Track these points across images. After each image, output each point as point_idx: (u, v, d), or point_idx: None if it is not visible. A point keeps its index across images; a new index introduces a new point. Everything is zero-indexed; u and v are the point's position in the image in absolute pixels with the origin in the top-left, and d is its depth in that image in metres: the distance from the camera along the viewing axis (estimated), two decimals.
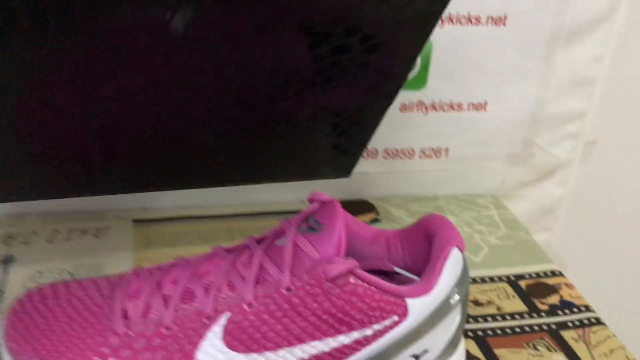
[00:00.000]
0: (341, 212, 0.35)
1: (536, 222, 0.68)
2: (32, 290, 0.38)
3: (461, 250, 0.37)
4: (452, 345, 0.38)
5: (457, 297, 0.37)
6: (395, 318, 0.35)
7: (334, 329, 0.34)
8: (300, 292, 0.33)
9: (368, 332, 0.35)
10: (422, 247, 0.39)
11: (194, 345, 0.34)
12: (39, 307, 0.37)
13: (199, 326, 0.34)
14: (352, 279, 0.34)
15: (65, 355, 0.34)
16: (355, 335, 0.35)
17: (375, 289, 0.34)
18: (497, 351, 0.44)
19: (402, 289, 0.35)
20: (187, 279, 0.36)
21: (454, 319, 0.37)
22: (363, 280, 0.34)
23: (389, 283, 0.35)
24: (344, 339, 0.35)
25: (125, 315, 0.35)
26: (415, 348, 0.36)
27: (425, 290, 0.35)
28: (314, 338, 0.34)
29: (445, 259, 0.36)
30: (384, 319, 0.35)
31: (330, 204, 0.36)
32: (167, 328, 0.34)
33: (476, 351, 0.44)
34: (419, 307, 0.35)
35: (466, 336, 0.45)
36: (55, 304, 0.37)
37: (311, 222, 0.36)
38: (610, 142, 0.65)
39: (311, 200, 0.38)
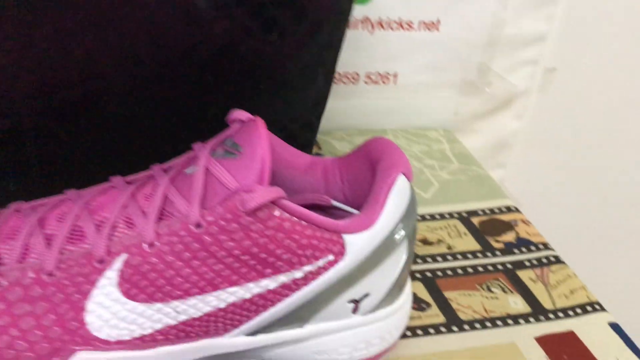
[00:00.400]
0: (265, 133, 0.29)
1: (490, 158, 0.63)
2: None
3: (408, 178, 0.31)
4: (397, 288, 0.33)
5: (402, 232, 0.31)
6: (331, 257, 0.29)
7: (256, 271, 0.28)
8: (213, 228, 0.27)
9: (298, 274, 0.29)
10: (365, 176, 0.33)
11: (84, 294, 0.28)
12: None
13: (89, 271, 0.28)
14: (277, 212, 0.28)
15: None
16: (282, 278, 0.29)
17: (305, 224, 0.28)
18: (448, 294, 0.39)
19: (339, 223, 0.29)
20: (76, 216, 0.29)
21: (399, 258, 0.32)
22: (291, 213, 0.28)
23: (322, 217, 0.29)
24: (269, 284, 0.29)
25: None
26: (355, 292, 0.31)
27: (365, 224, 0.30)
28: (231, 283, 0.28)
29: (389, 187, 0.30)
30: (316, 259, 0.29)
31: (252, 124, 0.30)
32: (50, 274, 0.28)
33: (424, 294, 0.39)
34: (358, 244, 0.30)
35: (413, 278, 0.40)
36: None
37: (229, 145, 0.30)
38: (571, 70, 0.60)
39: (231, 121, 0.32)
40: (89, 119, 0.37)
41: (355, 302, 0.31)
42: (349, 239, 0.29)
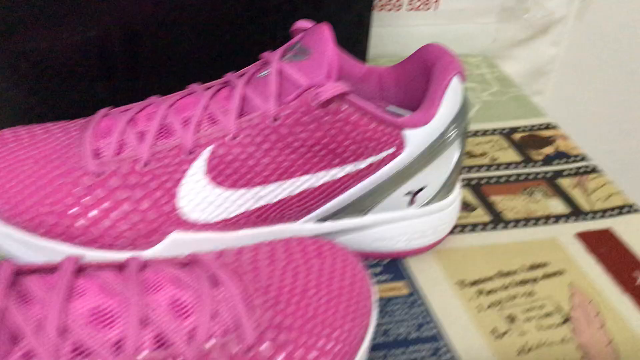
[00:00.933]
0: (331, 35, 0.32)
1: (527, 85, 0.65)
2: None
3: (462, 79, 0.34)
4: (449, 184, 0.36)
5: (456, 130, 0.34)
6: (391, 150, 0.32)
7: (326, 161, 0.32)
8: (289, 121, 0.31)
9: (362, 165, 0.32)
10: (419, 81, 0.36)
11: (175, 182, 0.31)
12: (1, 149, 0.33)
13: (180, 162, 0.31)
14: (345, 106, 0.31)
15: (34, 198, 0.31)
16: (349, 168, 0.32)
17: (369, 118, 0.31)
18: (492, 198, 0.42)
19: (399, 119, 0.32)
20: (163, 115, 0.32)
21: (452, 155, 0.35)
22: (357, 107, 0.31)
23: (384, 113, 0.32)
24: (337, 173, 0.32)
25: (97, 155, 0.32)
26: (412, 184, 0.34)
27: (423, 120, 0.33)
28: (304, 172, 0.32)
29: (445, 87, 0.33)
30: (379, 151, 0.32)
31: (318, 28, 0.33)
32: (144, 165, 0.31)
33: (471, 199, 0.42)
34: (416, 138, 0.33)
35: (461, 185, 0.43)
36: (19, 146, 0.33)
37: (297, 49, 0.32)
38: None
39: (295, 31, 0.35)
40: (169, 28, 0.40)
41: (412, 194, 0.35)
42: (408, 133, 0.32)
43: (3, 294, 0.21)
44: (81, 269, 0.24)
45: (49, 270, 0.24)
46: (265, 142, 0.31)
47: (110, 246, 0.31)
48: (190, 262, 0.27)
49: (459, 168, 0.36)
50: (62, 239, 0.32)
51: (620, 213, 0.42)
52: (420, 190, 0.35)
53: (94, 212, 0.31)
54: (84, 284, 0.23)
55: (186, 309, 0.24)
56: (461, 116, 0.34)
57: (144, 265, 0.26)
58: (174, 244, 0.32)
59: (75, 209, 0.31)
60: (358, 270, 0.29)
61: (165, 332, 0.23)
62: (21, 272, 0.23)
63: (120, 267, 0.25)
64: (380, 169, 0.33)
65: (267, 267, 0.28)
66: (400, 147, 0.32)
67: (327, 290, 0.28)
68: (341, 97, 0.30)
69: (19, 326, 0.21)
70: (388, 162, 0.33)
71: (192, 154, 0.31)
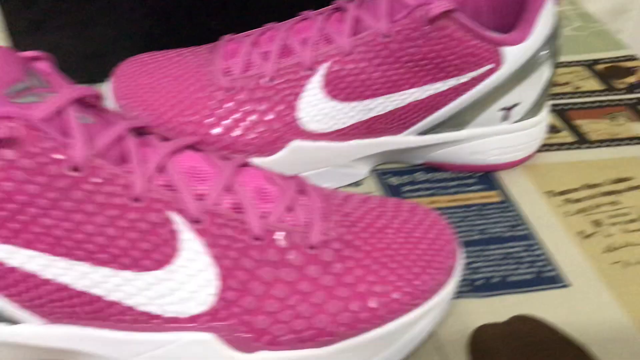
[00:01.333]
0: None
1: (608, 24, 0.66)
2: (130, 59, 0.40)
3: (555, 2, 0.36)
4: (540, 102, 0.39)
5: (548, 50, 0.37)
6: (490, 66, 0.36)
7: (431, 75, 0.35)
8: (399, 37, 0.34)
9: (463, 79, 0.36)
10: (512, 7, 0.39)
11: (296, 96, 0.36)
12: (142, 69, 0.38)
13: (300, 77, 0.35)
14: (450, 22, 0.34)
15: (175, 110, 0.36)
16: (451, 82, 0.36)
17: (473, 35, 0.34)
18: (577, 122, 0.45)
19: (498, 37, 0.35)
20: (283, 37, 0.36)
21: (543, 74, 0.37)
22: (461, 24, 0.34)
23: (484, 30, 0.35)
24: (440, 86, 0.36)
25: (227, 73, 0.36)
26: (506, 100, 0.37)
27: (520, 39, 0.36)
28: (411, 85, 0.35)
29: (540, 9, 0.36)
30: (479, 66, 0.35)
31: None
32: (269, 80, 0.36)
33: (556, 122, 0.45)
34: (513, 56, 0.36)
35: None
36: (158, 67, 0.38)
37: None
38: None
39: None
40: None
41: (506, 110, 0.38)
42: (506, 50, 0.35)
43: (125, 126, 0.25)
44: (195, 145, 0.28)
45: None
46: (376, 57, 0.35)
47: (241, 152, 0.36)
48: (289, 178, 0.29)
49: (548, 87, 0.39)
50: None
51: None
52: (514, 106, 0.38)
53: (226, 122, 0.36)
54: (190, 152, 0.27)
55: (267, 197, 0.27)
56: (553, 37, 0.37)
57: (247, 162, 0.29)
58: (294, 151, 0.36)
59: (210, 120, 0.36)
60: (445, 231, 0.30)
61: (243, 203, 0.26)
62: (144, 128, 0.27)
63: (224, 156, 0.29)
64: (479, 84, 0.36)
65: (357, 203, 0.30)
66: (498, 64, 0.36)
67: (406, 236, 0.29)
68: (448, 14, 0.33)
69: (129, 152, 0.25)
70: (486, 77, 0.36)
71: (311, 70, 0.35)
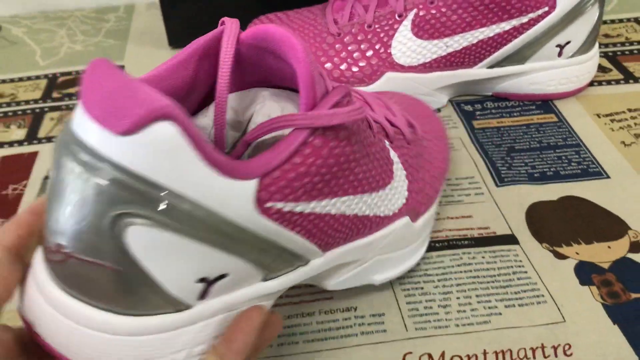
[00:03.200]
0: None
1: None
2: (259, 18, 0.51)
3: None
4: (590, 41, 0.47)
5: None
6: (546, 9, 0.44)
7: (497, 17, 0.44)
8: None
9: (524, 20, 0.45)
10: None
11: (390, 36, 0.46)
12: (271, 23, 0.50)
13: (393, 23, 0.46)
14: None
15: None
16: (514, 22, 0.45)
17: None
18: (625, 64, 0.53)
19: None
20: None
21: (592, 16, 0.46)
22: None
23: None
24: (505, 26, 0.45)
25: (335, 22, 0.47)
26: (560, 38, 0.46)
27: None
28: (481, 25, 0.45)
29: None
30: (537, 9, 0.44)
31: None
32: (369, 26, 0.46)
33: (607, 64, 0.53)
34: (564, 0, 0.44)
35: (599, 56, 0.54)
36: (281, 22, 0.49)
37: None
38: None
39: None
40: None
41: (561, 47, 0.47)
42: None
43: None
44: None
45: None
46: (454, 3, 0.44)
47: (346, 82, 0.46)
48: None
49: (597, 28, 0.47)
50: None
51: None
52: (567, 44, 0.46)
53: (335, 59, 0.46)
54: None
55: (392, 112, 0.36)
56: None
57: None
58: (388, 81, 0.46)
59: (323, 58, 0.47)
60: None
61: (395, 121, 0.34)
62: None
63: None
64: (536, 24, 0.45)
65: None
66: (552, 7, 0.44)
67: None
68: None
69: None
70: (542, 19, 0.45)
71: (401, 17, 0.45)
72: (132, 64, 0.57)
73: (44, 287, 0.23)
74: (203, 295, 0.24)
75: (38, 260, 0.24)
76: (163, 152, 0.21)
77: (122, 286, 0.22)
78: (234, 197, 0.23)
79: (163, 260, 0.22)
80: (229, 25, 0.26)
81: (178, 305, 0.24)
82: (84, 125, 0.21)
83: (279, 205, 0.24)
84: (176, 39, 0.58)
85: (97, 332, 0.23)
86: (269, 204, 0.24)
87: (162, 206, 0.21)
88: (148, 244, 0.22)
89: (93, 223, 0.21)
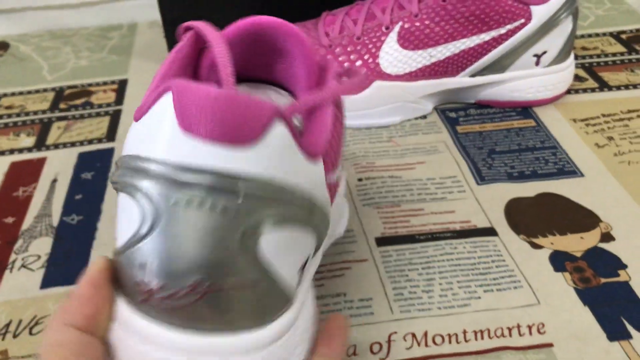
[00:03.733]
0: None
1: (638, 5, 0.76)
2: None
3: None
4: (565, 51, 0.50)
5: (569, 9, 0.49)
6: (522, 21, 0.48)
7: (477, 28, 0.48)
8: (453, 0, 0.47)
9: (502, 31, 0.48)
10: None
11: (377, 47, 0.49)
12: None
13: (380, 35, 0.49)
14: None
15: None
16: (492, 33, 0.48)
17: None
18: (601, 74, 0.56)
19: None
20: (368, 7, 0.50)
21: (567, 28, 0.49)
22: None
23: None
24: (484, 37, 0.48)
25: (327, 35, 0.50)
26: (537, 48, 0.49)
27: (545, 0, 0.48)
28: (463, 36, 0.48)
29: None
30: (513, 21, 0.48)
31: None
32: (358, 38, 0.49)
33: (583, 74, 0.56)
34: (540, 12, 0.48)
35: (576, 67, 0.57)
36: None
37: None
38: None
39: None
40: None
41: (537, 56, 0.50)
42: (534, 8, 0.48)
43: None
44: None
45: None
46: (437, 16, 0.48)
47: None
48: None
49: (572, 39, 0.51)
50: None
51: None
52: (543, 53, 0.50)
53: None
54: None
55: None
56: (572, 3, 0.49)
57: None
58: (376, 89, 0.50)
59: None
60: None
61: None
62: None
63: None
64: (514, 35, 0.48)
65: None
66: (528, 19, 0.48)
67: None
68: None
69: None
70: (520, 30, 0.48)
71: (388, 29, 0.49)
72: (136, 78, 0.60)
73: (159, 337, 0.22)
74: (298, 284, 0.25)
75: (136, 325, 0.22)
76: (282, 151, 0.20)
77: (258, 297, 0.22)
78: (318, 178, 0.23)
79: (284, 258, 0.22)
80: (203, 26, 0.24)
81: (290, 301, 0.24)
82: (195, 152, 0.19)
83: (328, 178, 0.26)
84: None
85: (246, 357, 0.22)
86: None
87: (287, 203, 0.21)
88: (275, 246, 0.21)
89: (230, 245, 0.20)
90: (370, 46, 0.49)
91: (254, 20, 0.27)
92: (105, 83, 0.60)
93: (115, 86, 0.59)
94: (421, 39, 0.48)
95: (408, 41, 0.49)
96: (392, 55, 0.49)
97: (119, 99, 0.57)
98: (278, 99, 0.31)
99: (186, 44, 0.26)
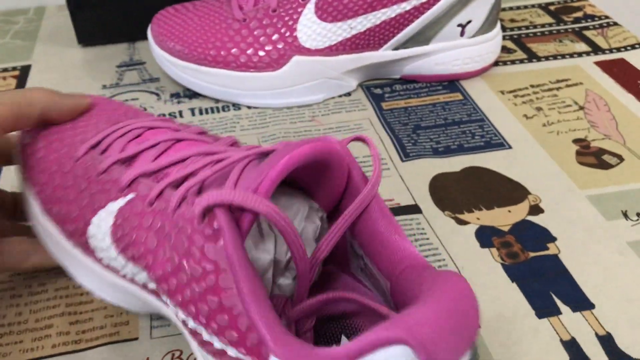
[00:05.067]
0: None
1: None
2: (164, 9, 0.50)
3: None
4: (490, 21, 0.48)
5: None
6: None
7: None
8: None
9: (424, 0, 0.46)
10: None
11: (294, 21, 0.46)
12: (175, 14, 0.49)
13: (297, 6, 0.46)
14: None
15: (202, 39, 0.47)
16: (414, 2, 0.46)
17: None
18: (529, 45, 0.55)
19: None
20: None
21: None
22: None
23: None
24: (406, 6, 0.46)
25: (240, 8, 0.47)
26: (461, 17, 0.47)
27: None
28: (383, 6, 0.45)
29: None
30: None
31: None
32: (273, 10, 0.46)
33: (512, 45, 0.55)
34: None
35: (504, 38, 0.56)
36: (186, 11, 0.49)
37: None
38: None
39: None
40: None
41: (462, 26, 0.48)
42: None
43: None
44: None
45: None
46: None
47: (254, 68, 0.46)
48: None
49: (497, 7, 0.49)
50: (221, 66, 0.47)
51: (633, 48, 0.53)
52: (468, 23, 0.48)
53: (242, 44, 0.46)
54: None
55: None
56: None
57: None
58: (296, 65, 0.46)
59: (230, 44, 0.46)
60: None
61: None
62: None
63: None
64: (436, 3, 0.46)
65: None
66: None
67: None
68: None
69: None
70: None
71: (305, 0, 0.46)
72: (40, 63, 0.55)
73: None
74: None
75: None
76: None
77: None
78: None
79: None
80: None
81: None
82: None
83: None
84: (85, 36, 0.57)
85: None
86: None
87: None
88: None
89: None
90: (287, 19, 0.46)
91: (324, 146, 0.24)
92: (5, 70, 0.55)
93: (16, 72, 0.54)
94: (340, 9, 0.45)
95: (326, 12, 0.46)
96: (311, 28, 0.46)
97: (20, 85, 0.52)
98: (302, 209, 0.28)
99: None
